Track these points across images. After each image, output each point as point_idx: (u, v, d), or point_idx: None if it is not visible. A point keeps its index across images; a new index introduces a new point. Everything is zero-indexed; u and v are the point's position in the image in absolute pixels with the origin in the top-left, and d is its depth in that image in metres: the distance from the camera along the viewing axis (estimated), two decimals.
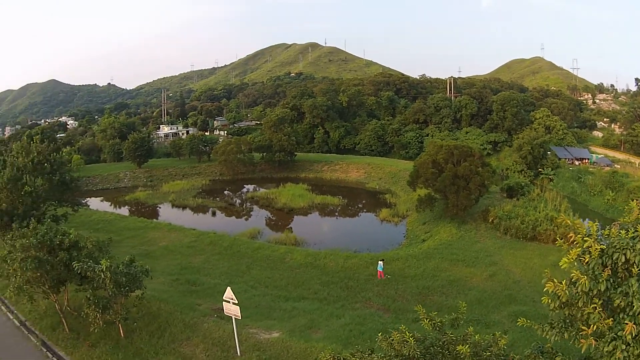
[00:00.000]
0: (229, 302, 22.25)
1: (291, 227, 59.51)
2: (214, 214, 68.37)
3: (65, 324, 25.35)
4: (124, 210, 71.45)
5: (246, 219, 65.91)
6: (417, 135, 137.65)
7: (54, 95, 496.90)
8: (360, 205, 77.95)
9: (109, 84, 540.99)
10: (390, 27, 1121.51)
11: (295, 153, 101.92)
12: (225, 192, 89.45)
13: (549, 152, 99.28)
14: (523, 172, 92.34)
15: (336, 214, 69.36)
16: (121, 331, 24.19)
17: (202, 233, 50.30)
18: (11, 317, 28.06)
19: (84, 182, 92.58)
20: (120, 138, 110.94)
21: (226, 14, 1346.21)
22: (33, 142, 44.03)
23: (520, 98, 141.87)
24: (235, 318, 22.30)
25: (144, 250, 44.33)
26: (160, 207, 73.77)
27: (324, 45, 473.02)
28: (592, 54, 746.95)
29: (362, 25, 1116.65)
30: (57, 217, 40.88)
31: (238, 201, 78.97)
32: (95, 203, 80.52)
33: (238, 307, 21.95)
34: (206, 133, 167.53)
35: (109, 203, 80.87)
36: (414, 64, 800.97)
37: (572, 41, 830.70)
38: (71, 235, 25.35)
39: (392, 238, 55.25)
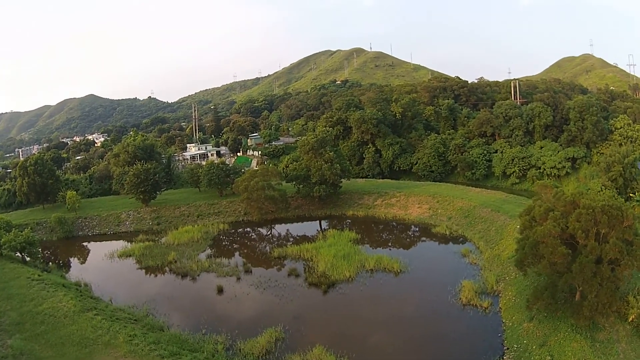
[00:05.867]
0: None
1: (327, 332, 38.30)
2: (220, 290, 47.33)
3: None
4: (106, 279, 52.90)
5: (263, 307, 44.05)
6: (484, 151, 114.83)
7: (92, 110, 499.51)
8: (428, 269, 54.56)
9: (150, 97, 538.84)
10: (434, 29, 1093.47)
11: (340, 184, 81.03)
12: (246, 240, 70.09)
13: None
14: (613, 198, 69.99)
15: (395, 293, 46.30)
16: None
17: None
18: None
19: (79, 225, 75.81)
20: (133, 165, 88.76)
21: (268, 23, 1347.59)
22: None
23: (599, 104, 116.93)
24: None
25: None
26: (148, 277, 54.68)
27: (369, 50, 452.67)
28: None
29: (407, 29, 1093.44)
30: None
31: (260, 261, 58.43)
32: (82, 256, 67.65)
33: None
34: (239, 154, 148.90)
35: (96, 258, 64.25)
36: (461, 65, 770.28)
37: (620, 36, 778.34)
38: None
39: (483, 350, 33.70)
